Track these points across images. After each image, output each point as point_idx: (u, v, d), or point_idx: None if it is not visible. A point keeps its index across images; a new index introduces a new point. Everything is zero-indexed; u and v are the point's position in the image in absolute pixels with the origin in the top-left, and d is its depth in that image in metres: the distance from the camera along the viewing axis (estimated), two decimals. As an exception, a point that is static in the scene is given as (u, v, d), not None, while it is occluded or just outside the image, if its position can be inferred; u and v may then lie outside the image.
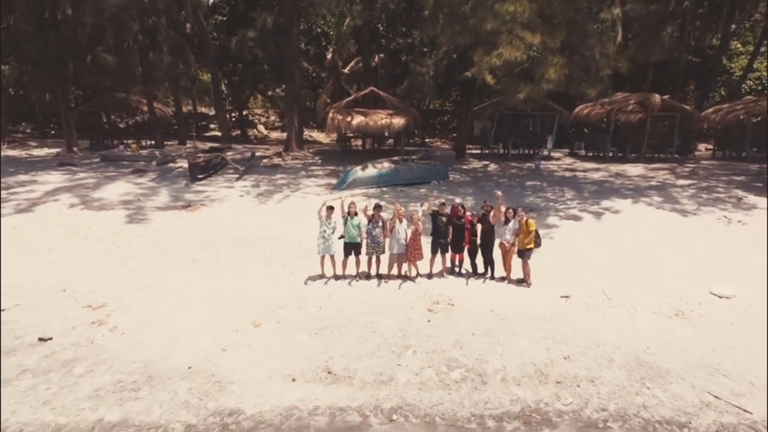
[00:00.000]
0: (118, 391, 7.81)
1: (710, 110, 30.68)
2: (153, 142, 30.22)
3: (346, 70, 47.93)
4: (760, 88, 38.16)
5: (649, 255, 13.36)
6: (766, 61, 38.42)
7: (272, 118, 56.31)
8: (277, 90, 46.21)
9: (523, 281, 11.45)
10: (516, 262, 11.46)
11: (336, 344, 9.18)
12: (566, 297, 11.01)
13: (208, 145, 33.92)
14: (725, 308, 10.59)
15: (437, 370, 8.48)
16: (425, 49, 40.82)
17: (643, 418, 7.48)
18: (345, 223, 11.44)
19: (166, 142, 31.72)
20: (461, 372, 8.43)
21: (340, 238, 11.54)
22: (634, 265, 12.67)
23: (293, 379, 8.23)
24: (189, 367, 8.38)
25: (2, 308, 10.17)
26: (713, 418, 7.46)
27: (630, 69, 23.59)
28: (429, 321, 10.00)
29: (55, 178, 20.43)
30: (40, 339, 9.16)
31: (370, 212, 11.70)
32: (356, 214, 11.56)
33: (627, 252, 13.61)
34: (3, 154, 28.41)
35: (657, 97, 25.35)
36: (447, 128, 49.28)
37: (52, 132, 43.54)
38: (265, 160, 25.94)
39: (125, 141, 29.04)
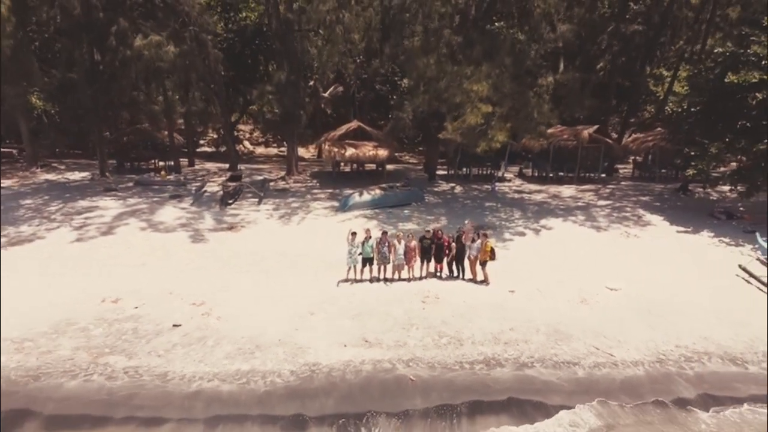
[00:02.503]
0: (240, 354, 12.16)
1: (629, 139, 36.51)
2: (172, 163, 33.78)
3: (326, 95, 52.24)
4: (679, 109, 43.69)
5: (570, 262, 18.32)
6: (687, 85, 44.24)
7: (255, 134, 59.89)
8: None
9: (483, 281, 16.21)
10: (479, 268, 16.24)
11: (367, 324, 13.70)
12: (512, 291, 15.82)
13: (213, 165, 37.85)
14: (613, 297, 15.61)
15: (432, 338, 13.12)
16: (396, 78, 45.84)
17: (554, 360, 12.32)
18: (362, 244, 15.99)
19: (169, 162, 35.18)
20: (447, 339, 13.10)
21: (359, 254, 16.07)
22: (559, 270, 17.58)
23: (345, 345, 12.71)
24: (279, 340, 12.77)
25: (135, 306, 14.33)
26: (593, 360, 12.37)
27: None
28: (423, 309, 14.63)
29: (111, 204, 24.10)
30: (174, 325, 13.37)
31: (378, 235, 16.35)
32: (370, 237, 16.13)
33: (555, 260, 18.52)
34: (42, 177, 31.66)
35: (585, 133, 30.72)
36: (414, 142, 53.89)
37: (57, 150, 46.10)
38: (272, 183, 30.03)
39: (150, 166, 32.58)
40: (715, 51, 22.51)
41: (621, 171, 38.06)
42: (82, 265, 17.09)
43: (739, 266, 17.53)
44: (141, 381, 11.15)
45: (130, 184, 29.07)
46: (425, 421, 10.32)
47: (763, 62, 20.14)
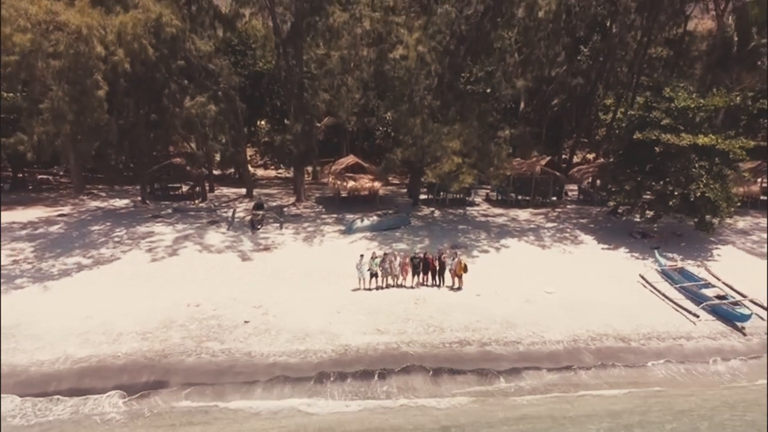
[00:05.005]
0: (296, 339, 17.09)
1: (575, 170, 42.47)
2: (198, 189, 38.38)
3: (320, 125, 57.33)
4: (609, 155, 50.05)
5: (520, 273, 23.58)
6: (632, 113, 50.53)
7: (255, 157, 64.39)
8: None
9: (458, 288, 21.44)
10: (456, 278, 21.44)
11: (378, 319, 18.72)
12: (478, 295, 21.02)
13: (229, 191, 42.49)
14: (549, 298, 20.91)
15: (423, 327, 18.22)
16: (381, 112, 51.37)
17: (505, 341, 17.54)
18: (370, 261, 21.09)
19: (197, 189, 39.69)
20: (433, 327, 18.22)
21: (368, 270, 21.14)
22: (512, 278, 22.80)
23: (364, 333, 17.73)
24: (320, 330, 17.72)
25: (214, 309, 19.12)
26: (530, 340, 17.62)
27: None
28: (416, 308, 19.68)
29: (164, 230, 28.59)
30: (245, 321, 18.22)
31: (381, 254, 21.51)
32: (376, 257, 21.25)
33: (510, 271, 23.77)
34: (93, 204, 35.88)
35: (537, 168, 36.45)
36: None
37: (82, 174, 49.93)
38: (285, 209, 34.82)
39: (178, 193, 37.12)
40: (629, 113, 28.36)
41: (570, 193, 43.80)
42: (162, 280, 21.77)
43: (640, 275, 23.13)
44: (235, 357, 16.04)
45: (170, 210, 33.55)
46: (423, 376, 15.54)
47: (662, 123, 25.93)
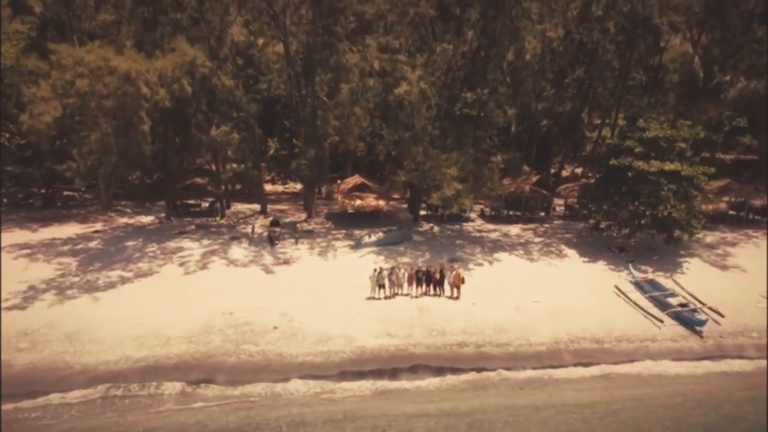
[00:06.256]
0: (319, 342, 19.54)
1: (562, 187, 45.16)
2: (218, 205, 40.82)
3: (325, 143, 59.92)
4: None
5: (511, 283, 26.09)
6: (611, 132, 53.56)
7: (264, 173, 66.77)
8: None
9: (457, 298, 23.93)
10: (454, 290, 23.95)
11: (387, 324, 21.18)
12: (474, 303, 23.48)
13: (244, 207, 44.93)
14: (535, 306, 23.40)
15: (427, 332, 20.70)
16: (382, 132, 54.13)
17: (497, 343, 20.04)
18: (378, 275, 23.57)
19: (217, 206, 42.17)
20: (436, 332, 20.70)
21: (377, 282, 23.63)
22: (504, 289, 25.30)
23: (377, 337, 20.18)
24: (339, 334, 20.18)
25: (246, 317, 21.56)
26: (519, 342, 20.11)
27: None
28: (420, 315, 22.15)
29: (192, 245, 30.96)
30: (274, 327, 20.66)
31: (388, 268, 24.05)
32: (383, 270, 23.77)
33: (501, 282, 26.24)
34: (122, 221, 38.22)
35: (527, 187, 39.15)
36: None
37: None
38: (298, 225, 37.29)
39: (197, 209, 39.81)
40: (607, 142, 31.13)
41: (558, 208, 46.31)
42: (197, 291, 24.11)
43: (615, 286, 25.70)
44: (269, 358, 18.48)
45: (193, 227, 35.96)
46: (428, 373, 18.06)
47: (635, 150, 28.65)
